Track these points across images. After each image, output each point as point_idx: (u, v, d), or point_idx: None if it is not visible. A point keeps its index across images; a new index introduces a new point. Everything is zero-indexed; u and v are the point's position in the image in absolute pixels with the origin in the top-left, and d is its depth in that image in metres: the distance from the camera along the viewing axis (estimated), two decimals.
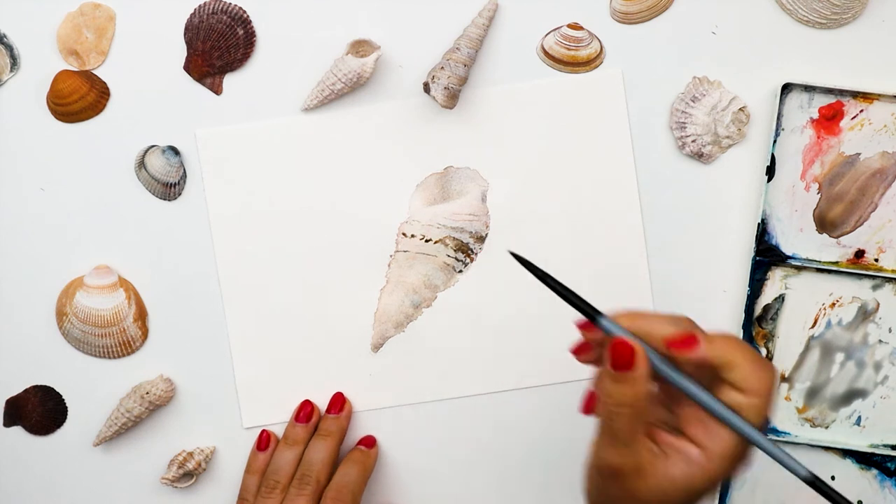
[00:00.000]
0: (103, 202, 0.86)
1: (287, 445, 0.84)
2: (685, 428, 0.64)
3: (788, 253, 0.85)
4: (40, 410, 0.87)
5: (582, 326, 0.67)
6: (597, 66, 0.85)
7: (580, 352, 0.68)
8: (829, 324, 0.85)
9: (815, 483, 0.61)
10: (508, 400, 0.86)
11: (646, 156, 0.85)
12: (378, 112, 0.85)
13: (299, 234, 0.86)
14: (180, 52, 0.85)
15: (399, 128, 0.85)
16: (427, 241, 0.85)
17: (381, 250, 0.86)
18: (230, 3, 0.85)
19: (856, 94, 0.83)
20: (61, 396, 0.87)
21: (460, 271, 0.86)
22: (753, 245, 0.84)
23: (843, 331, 0.85)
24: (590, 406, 0.66)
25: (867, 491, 0.85)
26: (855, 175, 0.84)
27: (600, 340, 0.65)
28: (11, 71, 0.85)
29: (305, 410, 0.85)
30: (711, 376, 0.63)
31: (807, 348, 0.85)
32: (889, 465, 0.85)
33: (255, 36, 0.85)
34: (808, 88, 0.83)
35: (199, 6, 0.85)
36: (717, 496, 0.85)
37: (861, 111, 0.84)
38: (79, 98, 0.84)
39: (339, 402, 0.85)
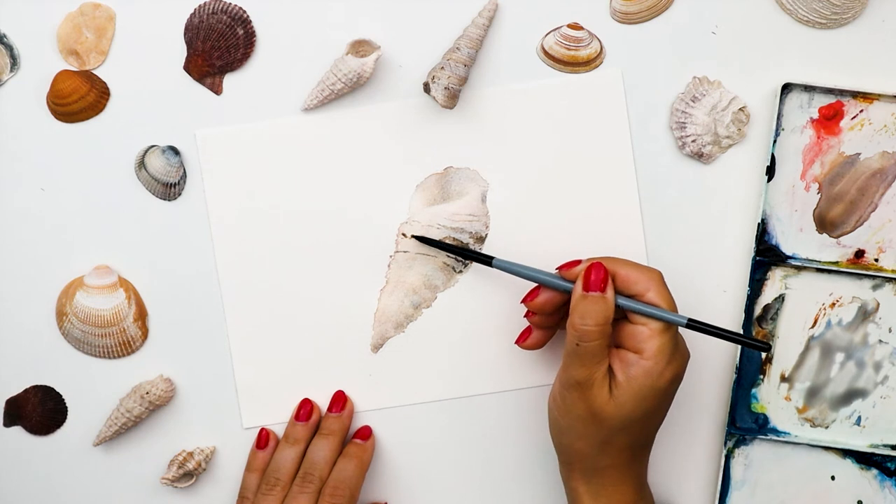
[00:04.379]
0: (103, 202, 0.86)
1: (287, 444, 0.84)
2: (622, 342, 0.76)
3: (788, 253, 0.85)
4: (40, 410, 0.87)
5: (527, 298, 0.80)
6: (597, 66, 0.85)
7: (529, 313, 0.81)
8: (829, 324, 0.85)
9: (691, 323, 0.75)
10: (508, 400, 0.86)
11: (646, 156, 0.85)
12: (378, 112, 0.85)
13: (299, 235, 0.86)
14: (180, 52, 0.85)
15: (399, 128, 0.85)
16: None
17: (381, 251, 0.86)
18: (230, 3, 0.85)
19: (856, 94, 0.83)
20: (61, 396, 0.87)
21: (460, 272, 0.86)
22: (753, 245, 0.84)
23: (843, 331, 0.85)
24: (525, 337, 0.82)
25: (867, 491, 0.85)
26: (855, 175, 0.84)
27: (544, 307, 0.80)
28: (11, 71, 0.85)
29: (305, 409, 0.85)
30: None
31: (807, 348, 0.85)
32: (889, 465, 0.85)
33: (255, 36, 0.85)
34: (808, 88, 0.83)
35: (199, 6, 0.85)
36: (718, 496, 0.85)
37: (861, 111, 0.84)
38: (79, 98, 0.84)
39: (340, 401, 0.86)
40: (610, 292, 0.76)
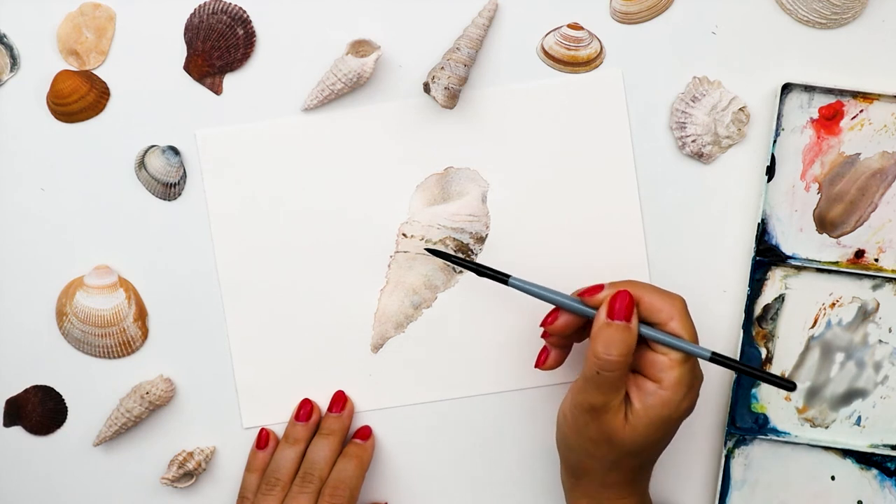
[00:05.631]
0: (103, 202, 0.86)
1: (287, 444, 0.84)
2: (640, 369, 0.75)
3: (788, 253, 0.85)
4: (40, 410, 0.87)
5: (546, 321, 0.78)
6: (597, 66, 0.85)
7: (546, 335, 0.80)
8: (829, 324, 0.85)
9: (714, 357, 0.74)
10: (508, 400, 0.86)
11: (646, 156, 0.85)
12: (378, 112, 0.85)
13: (299, 235, 0.86)
14: (180, 52, 0.85)
15: (399, 128, 0.85)
16: (427, 241, 0.85)
17: (382, 251, 0.86)
18: (230, 3, 0.85)
19: (856, 94, 0.83)
20: (61, 396, 0.87)
21: (460, 272, 0.86)
22: (753, 245, 0.84)
23: (843, 331, 0.85)
24: (543, 359, 0.80)
25: (867, 491, 0.85)
26: (855, 175, 0.84)
27: (564, 330, 0.78)
28: (11, 71, 0.85)
29: (305, 409, 0.85)
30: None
31: (807, 348, 0.85)
32: (889, 465, 0.85)
33: (255, 36, 0.85)
34: (808, 88, 0.83)
35: (199, 6, 0.85)
36: (718, 496, 0.85)
37: (861, 111, 0.84)
38: (79, 98, 0.84)
39: (340, 401, 0.86)
40: (634, 321, 0.74)
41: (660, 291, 0.75)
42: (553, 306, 0.78)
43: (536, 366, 0.81)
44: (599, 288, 0.76)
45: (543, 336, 0.80)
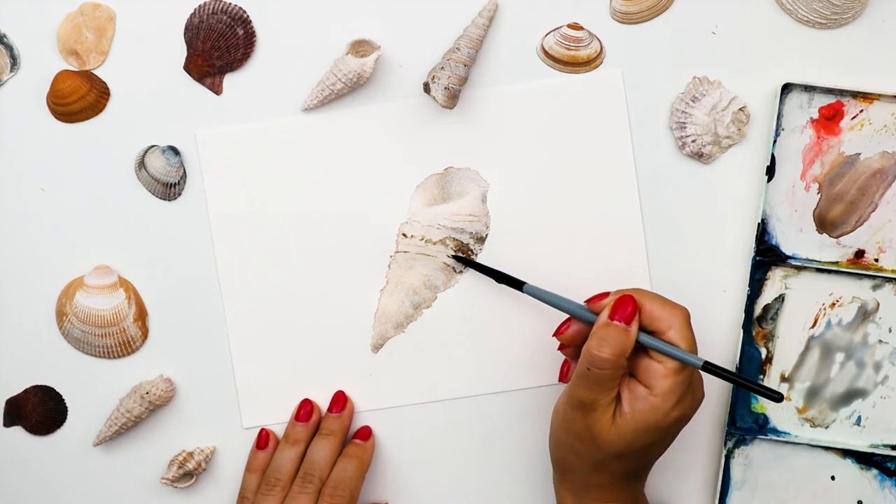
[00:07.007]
0: (103, 202, 0.86)
1: (288, 444, 0.84)
2: (636, 374, 0.75)
3: (788, 253, 0.85)
4: (40, 410, 0.87)
5: (558, 331, 0.79)
6: (597, 66, 0.85)
7: (561, 346, 0.81)
8: (829, 324, 0.85)
9: (707, 366, 0.74)
10: (508, 401, 0.86)
11: (646, 156, 0.85)
12: (378, 112, 0.85)
13: (299, 235, 0.86)
14: (180, 52, 0.85)
15: (399, 128, 0.85)
16: (427, 241, 0.86)
17: (382, 251, 0.86)
18: (230, 3, 0.85)
19: (856, 94, 0.83)
20: (61, 396, 0.87)
21: (460, 272, 0.86)
22: (753, 245, 0.84)
23: (843, 331, 0.85)
24: (564, 373, 0.82)
25: (867, 491, 0.85)
26: (855, 175, 0.84)
27: (574, 339, 0.79)
28: (11, 71, 0.85)
29: (305, 409, 0.85)
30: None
31: (807, 348, 0.85)
32: (889, 465, 0.85)
33: (255, 36, 0.85)
34: (808, 88, 0.83)
35: (199, 6, 0.85)
36: (718, 496, 0.85)
37: (861, 111, 0.84)
38: (79, 98, 0.84)
39: (340, 401, 0.86)
40: (634, 326, 0.75)
41: (663, 301, 0.76)
42: (566, 316, 0.79)
43: (560, 380, 0.82)
44: (605, 295, 0.77)
45: (560, 349, 0.80)
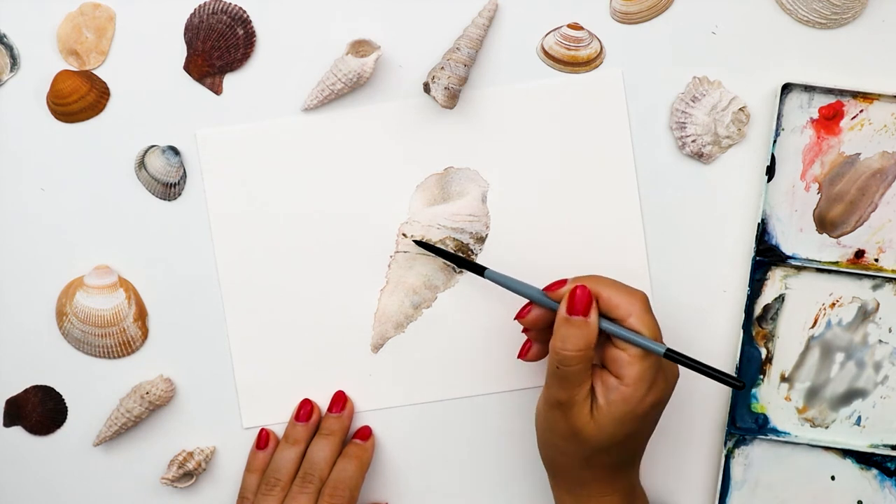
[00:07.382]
0: (103, 202, 0.86)
1: (288, 444, 0.84)
2: (606, 364, 0.75)
3: (788, 253, 0.85)
4: (40, 410, 0.87)
5: (519, 314, 0.79)
6: (597, 66, 0.85)
7: (525, 329, 0.80)
8: (829, 324, 0.85)
9: (668, 354, 0.73)
10: (508, 400, 0.86)
11: (646, 156, 0.85)
12: (378, 112, 0.85)
13: (299, 235, 0.86)
14: (180, 52, 0.85)
15: (399, 128, 0.85)
16: (427, 241, 0.85)
17: (382, 251, 0.86)
18: (230, 3, 0.85)
19: (856, 94, 0.83)
20: (61, 396, 0.87)
21: (460, 272, 0.86)
22: (753, 245, 0.84)
23: (843, 331, 0.85)
24: (525, 351, 0.80)
25: (867, 491, 0.85)
26: (855, 175, 0.84)
27: (536, 323, 0.79)
28: (11, 71, 0.85)
29: (305, 409, 0.85)
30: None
31: (807, 348, 0.85)
32: (889, 465, 0.85)
33: (255, 36, 0.85)
34: (808, 88, 0.83)
35: (199, 6, 0.85)
36: (718, 496, 0.85)
37: (861, 111, 0.84)
38: (79, 98, 0.84)
39: (340, 401, 0.86)
40: (593, 316, 0.74)
41: (620, 287, 0.75)
42: (527, 300, 0.79)
43: (519, 356, 0.81)
44: (563, 283, 0.77)
45: (523, 331, 0.80)
